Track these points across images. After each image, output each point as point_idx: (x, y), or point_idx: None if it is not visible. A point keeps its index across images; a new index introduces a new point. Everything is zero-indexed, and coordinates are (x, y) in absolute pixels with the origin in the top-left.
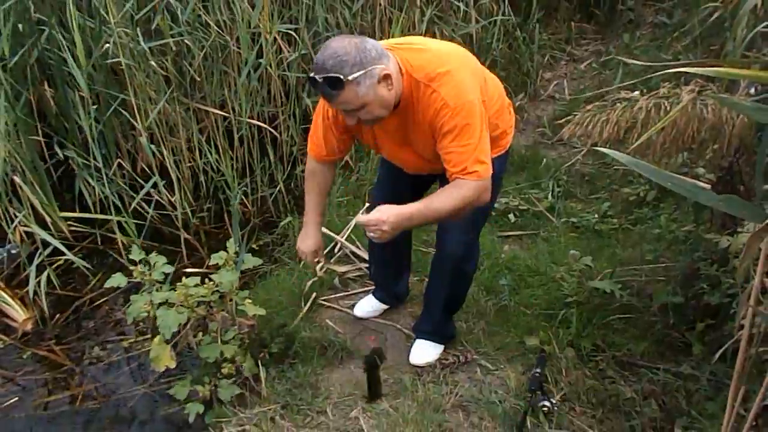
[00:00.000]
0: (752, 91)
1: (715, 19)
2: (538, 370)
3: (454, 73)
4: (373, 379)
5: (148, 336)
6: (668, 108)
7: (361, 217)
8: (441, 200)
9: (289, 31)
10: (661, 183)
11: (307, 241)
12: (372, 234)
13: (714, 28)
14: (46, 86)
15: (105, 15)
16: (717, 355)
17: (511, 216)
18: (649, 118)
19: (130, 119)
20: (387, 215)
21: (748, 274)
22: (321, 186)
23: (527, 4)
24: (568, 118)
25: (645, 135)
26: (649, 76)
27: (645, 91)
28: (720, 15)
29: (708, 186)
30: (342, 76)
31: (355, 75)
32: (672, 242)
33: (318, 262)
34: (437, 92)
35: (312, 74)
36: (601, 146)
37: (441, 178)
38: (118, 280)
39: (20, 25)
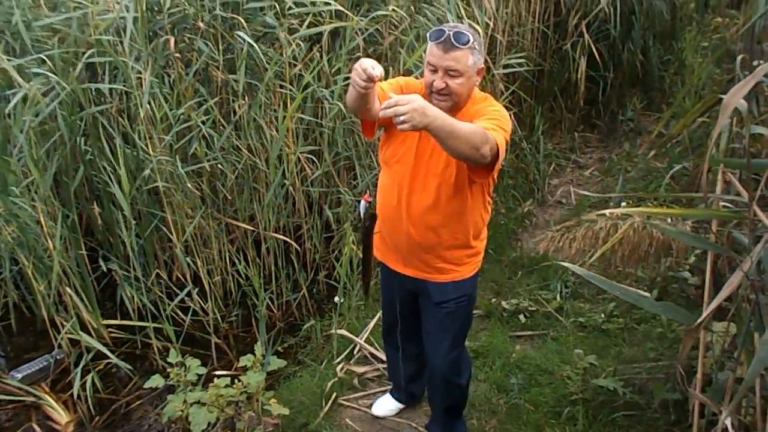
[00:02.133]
0: None
1: (703, 130)
2: None
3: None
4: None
5: None
6: (621, 228)
7: (392, 98)
8: (460, 123)
9: (312, 156)
10: (612, 291)
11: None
12: (399, 112)
13: (703, 137)
14: (95, 205)
15: (145, 147)
16: None
17: (521, 316)
18: (608, 236)
19: (168, 234)
20: (417, 98)
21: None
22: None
23: (531, 118)
24: (542, 236)
25: (598, 252)
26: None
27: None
28: (707, 127)
29: (648, 294)
30: (470, 36)
31: (476, 46)
32: (673, 341)
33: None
34: (491, 102)
35: (441, 27)
36: (570, 261)
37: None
38: (156, 381)
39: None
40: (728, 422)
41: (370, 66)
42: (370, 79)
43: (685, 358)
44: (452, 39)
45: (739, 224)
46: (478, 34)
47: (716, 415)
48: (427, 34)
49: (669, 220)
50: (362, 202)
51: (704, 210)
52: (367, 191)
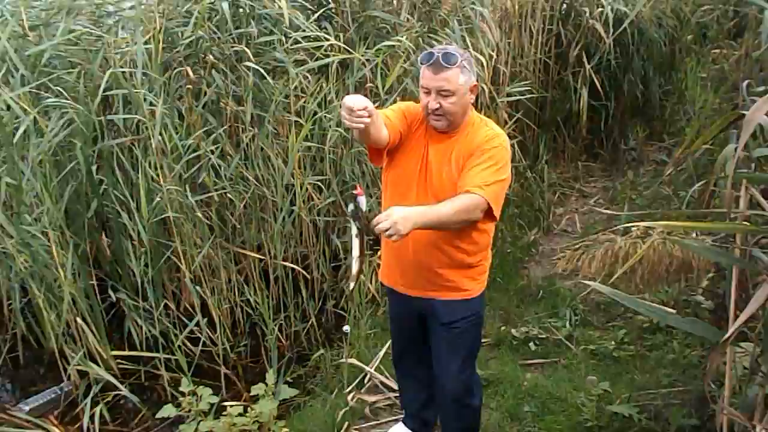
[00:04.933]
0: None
1: (707, 159)
2: None
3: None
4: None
5: None
6: (642, 247)
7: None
8: (444, 205)
9: (319, 183)
10: (635, 308)
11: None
12: (382, 228)
13: (708, 166)
14: (104, 236)
15: (156, 176)
16: None
17: (531, 344)
18: (628, 255)
19: (177, 263)
20: (394, 210)
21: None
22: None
23: (535, 147)
24: (561, 254)
25: (620, 270)
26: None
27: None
28: (711, 154)
29: (674, 311)
30: (459, 56)
31: (465, 65)
32: (686, 367)
33: (363, 115)
34: (493, 130)
35: (430, 50)
36: (590, 279)
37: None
38: (168, 410)
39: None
40: None
41: (353, 105)
42: (361, 113)
43: (714, 373)
44: (441, 60)
45: (757, 242)
46: (468, 53)
47: (746, 430)
48: (418, 58)
49: (694, 235)
50: (362, 197)
51: (731, 224)
52: (357, 185)
